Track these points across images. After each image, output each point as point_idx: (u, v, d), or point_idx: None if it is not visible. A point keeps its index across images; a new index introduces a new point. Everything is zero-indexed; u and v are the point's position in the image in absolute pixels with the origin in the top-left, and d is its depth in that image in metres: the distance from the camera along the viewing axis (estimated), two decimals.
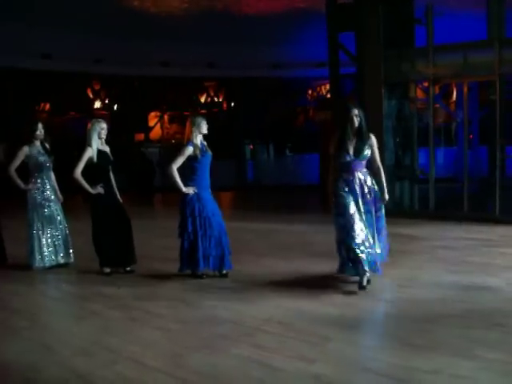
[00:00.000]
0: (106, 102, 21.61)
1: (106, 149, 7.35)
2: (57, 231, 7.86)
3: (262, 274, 7.03)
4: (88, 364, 4.48)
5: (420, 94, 13.04)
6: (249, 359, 4.45)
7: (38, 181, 7.81)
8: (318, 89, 24.34)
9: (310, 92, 24.44)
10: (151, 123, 23.59)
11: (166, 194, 18.86)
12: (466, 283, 6.37)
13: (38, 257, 7.69)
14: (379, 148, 6.46)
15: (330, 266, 6.97)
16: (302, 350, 4.59)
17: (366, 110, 12.20)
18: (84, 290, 6.72)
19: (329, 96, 18.40)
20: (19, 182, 7.71)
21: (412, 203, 12.13)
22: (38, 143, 7.83)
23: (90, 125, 7.26)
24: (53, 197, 7.91)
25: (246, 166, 20.47)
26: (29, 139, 7.77)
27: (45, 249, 7.72)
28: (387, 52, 11.73)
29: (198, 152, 6.77)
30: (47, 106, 20.63)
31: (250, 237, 9.43)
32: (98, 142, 7.20)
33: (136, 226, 7.55)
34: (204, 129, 6.87)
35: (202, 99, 23.45)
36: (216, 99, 23.60)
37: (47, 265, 7.74)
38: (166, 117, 23.31)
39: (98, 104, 21.56)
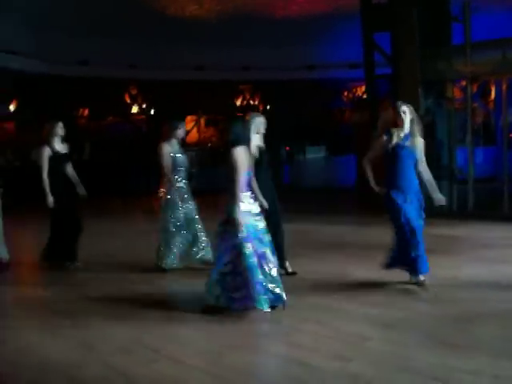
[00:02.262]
0: (144, 106, 21.86)
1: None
2: (190, 233, 7.59)
3: (299, 274, 7.01)
4: (128, 362, 4.55)
5: (457, 92, 12.87)
6: (287, 358, 4.46)
7: (175, 179, 7.54)
8: (354, 90, 24.17)
9: (345, 93, 24.32)
10: (188, 127, 23.80)
11: (205, 197, 18.85)
12: (506, 283, 6.27)
13: (170, 256, 7.48)
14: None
15: (366, 265, 6.94)
16: (340, 349, 4.58)
17: None
18: (123, 291, 6.81)
19: (365, 97, 18.29)
20: (170, 179, 7.43)
21: (451, 203, 11.96)
22: (175, 142, 7.59)
23: (247, 119, 6.80)
24: (188, 197, 7.65)
25: (283, 169, 20.40)
26: (168, 137, 7.53)
27: (176, 249, 7.51)
28: (423, 51, 11.60)
29: (393, 143, 6.14)
30: (86, 112, 20.97)
31: (288, 238, 9.42)
32: (256, 138, 6.74)
33: None
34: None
35: (238, 102, 23.53)
36: (252, 102, 23.68)
37: (178, 265, 7.54)
38: (202, 121, 23.49)
39: (135, 109, 21.81)
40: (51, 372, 4.48)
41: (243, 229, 5.30)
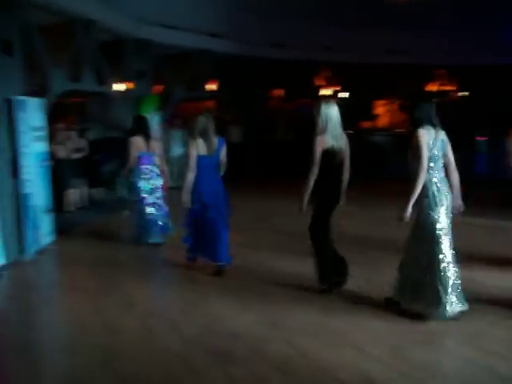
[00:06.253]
0: (337, 89, 21.84)
1: None
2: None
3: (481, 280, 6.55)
4: (311, 343, 4.68)
5: None
6: (474, 362, 4.27)
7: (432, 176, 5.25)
8: None
9: None
10: (379, 111, 23.48)
11: (399, 184, 18.40)
12: None
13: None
14: None
15: None
16: None
17: None
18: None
19: None
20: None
21: None
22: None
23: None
24: (445, 204, 5.23)
25: (475, 159, 19.22)
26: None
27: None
28: None
29: None
30: (280, 92, 21.45)
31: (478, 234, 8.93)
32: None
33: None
34: None
35: (434, 88, 22.60)
36: (447, 88, 22.61)
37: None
38: (393, 105, 22.99)
39: (327, 91, 21.88)
40: (239, 341, 4.77)
41: None
